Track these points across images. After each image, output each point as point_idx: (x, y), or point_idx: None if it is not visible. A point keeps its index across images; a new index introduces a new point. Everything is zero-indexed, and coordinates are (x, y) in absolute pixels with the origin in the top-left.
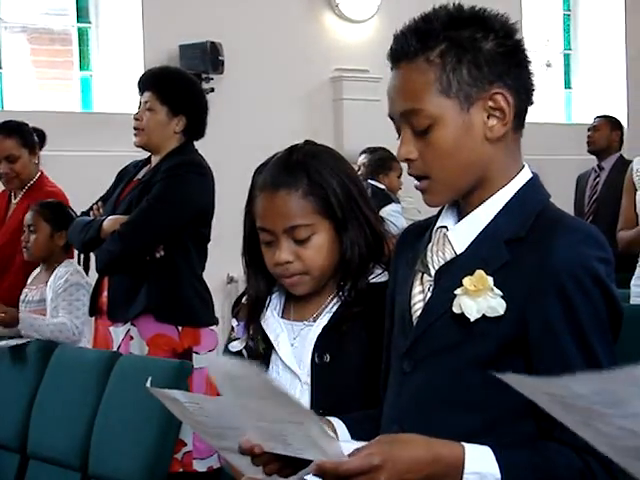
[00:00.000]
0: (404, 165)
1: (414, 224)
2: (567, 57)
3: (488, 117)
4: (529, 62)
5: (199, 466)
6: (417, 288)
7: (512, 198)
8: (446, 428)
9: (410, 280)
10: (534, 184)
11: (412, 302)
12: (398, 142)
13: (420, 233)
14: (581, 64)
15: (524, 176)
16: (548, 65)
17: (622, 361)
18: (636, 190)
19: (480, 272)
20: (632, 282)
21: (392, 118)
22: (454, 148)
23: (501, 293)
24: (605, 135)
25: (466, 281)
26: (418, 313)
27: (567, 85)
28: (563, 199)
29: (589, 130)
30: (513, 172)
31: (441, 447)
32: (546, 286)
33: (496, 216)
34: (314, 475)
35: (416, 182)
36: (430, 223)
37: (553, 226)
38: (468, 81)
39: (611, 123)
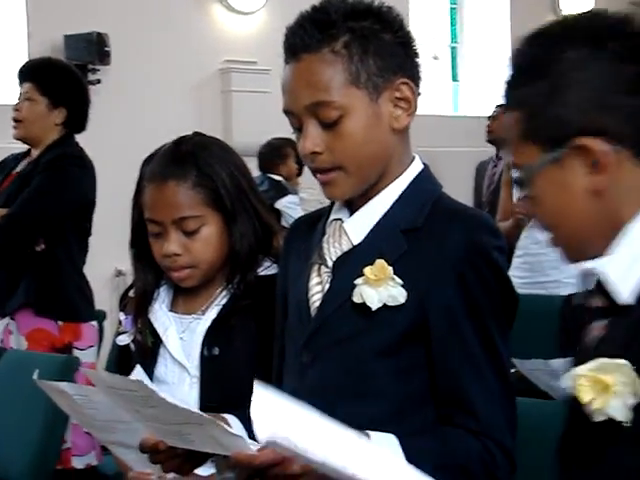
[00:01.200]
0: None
1: (303, 217)
2: (454, 50)
3: (394, 107)
4: (418, 54)
5: (77, 463)
6: (314, 280)
7: (407, 188)
8: (349, 418)
9: (306, 273)
10: (426, 174)
11: (310, 294)
12: (293, 134)
13: (311, 225)
14: (467, 57)
15: (416, 167)
16: (435, 58)
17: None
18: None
19: (381, 261)
20: (509, 273)
21: (288, 112)
22: (365, 139)
23: (402, 282)
24: (502, 125)
25: (367, 270)
26: (317, 304)
27: (454, 78)
28: (458, 190)
29: (489, 119)
30: (407, 163)
31: None
32: (445, 274)
33: (392, 206)
34: (228, 468)
35: (319, 176)
36: (321, 215)
37: (449, 215)
38: (375, 71)
39: None
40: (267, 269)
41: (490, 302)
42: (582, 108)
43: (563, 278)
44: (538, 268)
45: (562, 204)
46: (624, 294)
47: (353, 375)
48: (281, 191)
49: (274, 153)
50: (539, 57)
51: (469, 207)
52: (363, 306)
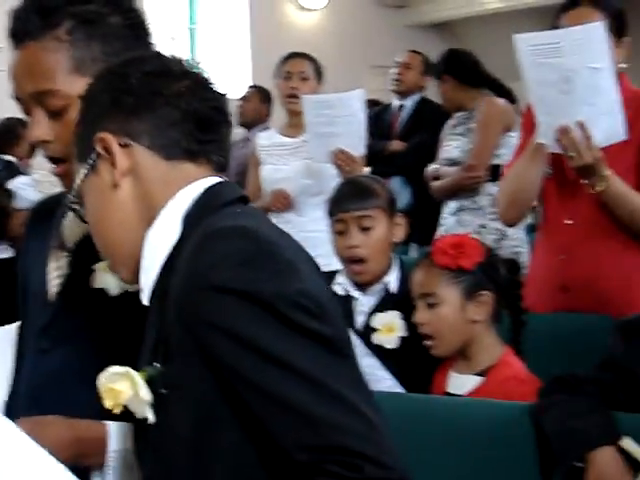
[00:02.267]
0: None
1: (46, 199)
2: (192, 32)
3: None
4: (151, 34)
5: None
6: (54, 264)
7: None
8: (89, 405)
9: (45, 256)
10: None
11: (49, 278)
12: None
13: (52, 208)
14: (206, 38)
15: None
16: (173, 39)
17: None
18: (260, 164)
19: None
20: None
21: (19, 99)
22: None
23: None
24: (254, 107)
25: None
26: (55, 289)
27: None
28: None
29: (240, 100)
30: None
31: (84, 427)
32: None
33: None
34: None
35: (55, 167)
36: (62, 198)
37: None
38: (101, 57)
39: (261, 95)
40: (2, 252)
41: None
42: (96, 116)
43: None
44: None
45: (103, 210)
46: (145, 297)
47: (93, 361)
48: (14, 172)
49: (7, 134)
50: None
51: None
52: (102, 291)
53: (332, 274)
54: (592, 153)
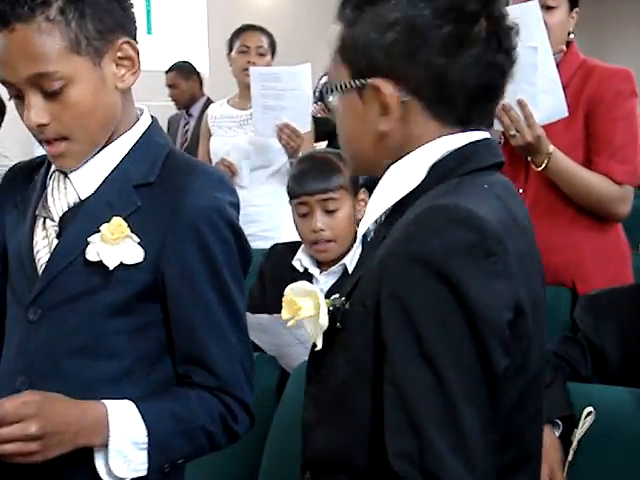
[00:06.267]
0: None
1: (19, 165)
2: (148, 2)
3: (117, 67)
4: (133, 5)
5: None
6: (40, 234)
7: (137, 142)
8: (81, 376)
9: (28, 225)
10: (156, 128)
11: (35, 249)
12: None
13: (27, 175)
14: (162, 9)
15: (145, 120)
16: None
17: None
18: (211, 135)
19: (118, 219)
20: None
21: (7, 83)
22: (91, 105)
23: (138, 240)
24: (183, 89)
25: (103, 228)
26: (44, 260)
27: (148, 31)
28: None
29: (168, 88)
30: (134, 116)
31: (87, 404)
32: (182, 231)
33: (122, 160)
34: None
35: (47, 147)
36: (41, 163)
37: (184, 170)
38: (95, 35)
39: (182, 73)
40: None
41: (226, 257)
42: (392, 51)
43: (259, 232)
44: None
45: (355, 132)
46: (362, 227)
47: (84, 332)
48: None
49: None
50: None
51: (203, 163)
52: (97, 263)
53: (294, 245)
54: (533, 131)
